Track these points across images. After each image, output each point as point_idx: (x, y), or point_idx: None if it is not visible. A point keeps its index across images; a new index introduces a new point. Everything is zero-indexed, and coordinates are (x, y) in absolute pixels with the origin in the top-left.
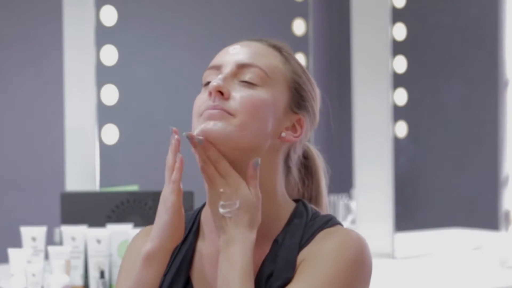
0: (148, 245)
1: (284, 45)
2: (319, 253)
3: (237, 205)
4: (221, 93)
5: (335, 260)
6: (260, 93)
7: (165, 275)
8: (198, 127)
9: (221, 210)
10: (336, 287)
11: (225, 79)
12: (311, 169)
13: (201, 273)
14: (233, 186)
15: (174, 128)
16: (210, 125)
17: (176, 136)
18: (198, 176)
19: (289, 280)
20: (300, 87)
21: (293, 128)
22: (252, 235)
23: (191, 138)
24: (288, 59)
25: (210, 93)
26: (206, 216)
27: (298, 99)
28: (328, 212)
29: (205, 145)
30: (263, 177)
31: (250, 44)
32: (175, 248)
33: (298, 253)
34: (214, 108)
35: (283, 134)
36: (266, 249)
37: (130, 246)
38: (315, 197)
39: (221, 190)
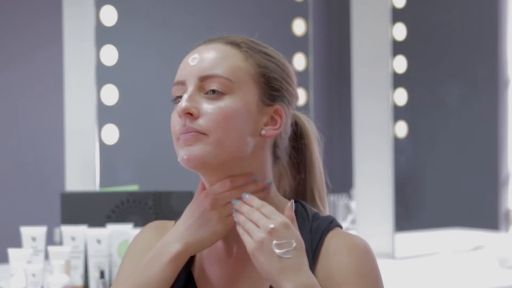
0: (182, 246)
1: (242, 38)
2: (344, 274)
3: (294, 245)
4: (190, 113)
5: (364, 277)
6: (228, 103)
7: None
8: (179, 155)
9: (277, 251)
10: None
11: (190, 98)
12: (302, 138)
13: (202, 271)
14: (282, 225)
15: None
16: (189, 151)
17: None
18: (198, 176)
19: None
20: (269, 78)
21: (272, 120)
22: (317, 282)
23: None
24: (249, 53)
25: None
26: None
27: (269, 90)
28: (324, 183)
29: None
30: (248, 169)
31: (208, 48)
32: None
33: (315, 262)
34: (187, 131)
35: (263, 132)
36: None
37: (136, 238)
38: (309, 168)
39: (272, 226)
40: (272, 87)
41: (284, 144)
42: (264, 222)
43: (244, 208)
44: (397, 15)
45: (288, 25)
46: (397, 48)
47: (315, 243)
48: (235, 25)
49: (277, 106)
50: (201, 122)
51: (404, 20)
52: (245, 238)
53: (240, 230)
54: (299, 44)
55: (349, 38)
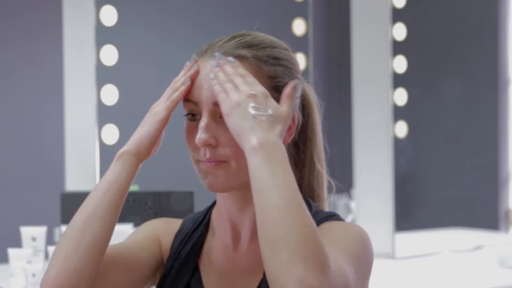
0: (123, 148)
1: (251, 49)
2: (325, 232)
3: (270, 112)
4: (210, 144)
5: (343, 234)
6: None
7: (174, 260)
8: (203, 182)
9: (252, 112)
10: (347, 252)
11: (207, 128)
12: (305, 108)
13: (208, 264)
14: (262, 94)
15: (196, 58)
16: (213, 179)
17: (196, 66)
18: (197, 176)
19: None
20: (279, 87)
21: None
22: (283, 145)
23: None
24: (258, 66)
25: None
26: (216, 215)
27: (280, 100)
28: (322, 148)
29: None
30: None
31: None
32: (185, 236)
33: None
34: (208, 161)
35: None
36: None
37: (144, 223)
38: (310, 135)
39: (253, 92)
40: (282, 93)
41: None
42: (245, 87)
43: (228, 68)
44: (397, 15)
45: (288, 25)
46: (397, 48)
47: None
48: (235, 25)
49: None
50: (220, 152)
51: (404, 20)
52: (221, 96)
53: (217, 88)
54: (299, 44)
55: (349, 38)
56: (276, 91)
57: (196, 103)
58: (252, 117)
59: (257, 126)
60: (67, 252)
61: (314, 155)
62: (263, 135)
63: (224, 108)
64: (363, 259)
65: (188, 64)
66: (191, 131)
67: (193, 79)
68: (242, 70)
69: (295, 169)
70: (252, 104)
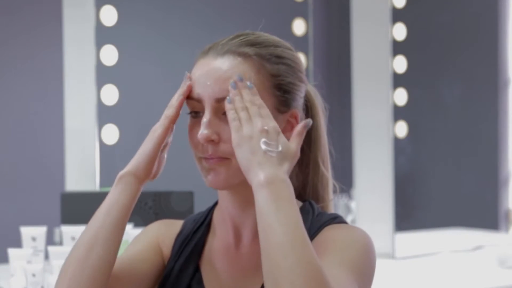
0: (125, 169)
1: (254, 47)
2: (329, 240)
3: (280, 149)
4: (212, 140)
5: (346, 246)
6: None
7: (175, 261)
8: (205, 179)
9: (263, 147)
10: (351, 270)
11: (209, 124)
12: (310, 110)
13: (209, 265)
14: (275, 130)
15: (189, 74)
16: (214, 176)
17: (188, 82)
18: (198, 176)
19: None
20: (282, 85)
21: (289, 124)
22: (291, 183)
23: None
24: (261, 64)
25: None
26: (217, 215)
27: (283, 97)
28: (327, 151)
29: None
30: None
31: (220, 64)
32: (186, 237)
33: None
34: (210, 157)
35: None
36: None
37: (144, 229)
38: (314, 138)
39: (266, 128)
40: (286, 91)
41: None
42: (258, 120)
43: (246, 94)
44: (397, 15)
45: (288, 25)
46: (397, 48)
47: (312, 231)
48: (235, 25)
49: (292, 110)
50: (222, 148)
51: (404, 20)
52: (235, 124)
53: (231, 114)
54: (299, 44)
55: (349, 38)
56: (278, 89)
57: (198, 100)
58: (263, 152)
59: (266, 161)
60: (72, 276)
61: (318, 158)
62: (271, 171)
63: (236, 138)
64: (366, 271)
65: (183, 85)
66: (194, 129)
67: (185, 95)
68: (258, 100)
69: (299, 170)
70: (263, 139)
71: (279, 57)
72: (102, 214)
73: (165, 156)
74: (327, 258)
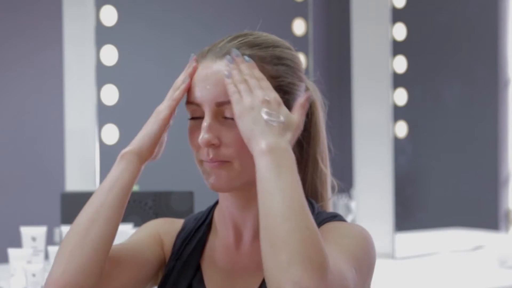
0: (127, 147)
1: (253, 48)
2: (327, 232)
3: (282, 119)
4: (213, 144)
5: (344, 235)
6: None
7: (176, 260)
8: (207, 182)
9: (265, 117)
10: (347, 254)
11: (210, 128)
12: (310, 106)
13: (210, 264)
14: (276, 101)
15: (194, 57)
16: (216, 179)
17: (194, 64)
18: (198, 176)
19: None
20: (282, 86)
21: None
22: (293, 152)
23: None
24: (262, 66)
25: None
26: (219, 215)
27: (284, 98)
28: (326, 147)
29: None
30: None
31: (220, 67)
32: (187, 236)
33: None
34: (211, 161)
35: None
36: None
37: (146, 223)
38: (313, 134)
39: (267, 98)
40: (286, 92)
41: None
42: (259, 92)
43: (244, 67)
44: (397, 15)
45: (288, 25)
46: (397, 48)
47: None
48: (235, 25)
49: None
50: (223, 152)
51: (404, 20)
52: (235, 97)
53: (231, 87)
54: (299, 44)
55: (349, 38)
56: (279, 90)
57: (198, 104)
58: (264, 122)
59: (268, 131)
60: (72, 250)
61: (317, 154)
62: (273, 140)
63: (237, 110)
64: (364, 260)
65: (189, 66)
66: (194, 132)
67: (192, 76)
68: (257, 73)
69: (298, 168)
70: (265, 110)
71: (278, 58)
72: (105, 191)
73: (165, 137)
74: (325, 245)
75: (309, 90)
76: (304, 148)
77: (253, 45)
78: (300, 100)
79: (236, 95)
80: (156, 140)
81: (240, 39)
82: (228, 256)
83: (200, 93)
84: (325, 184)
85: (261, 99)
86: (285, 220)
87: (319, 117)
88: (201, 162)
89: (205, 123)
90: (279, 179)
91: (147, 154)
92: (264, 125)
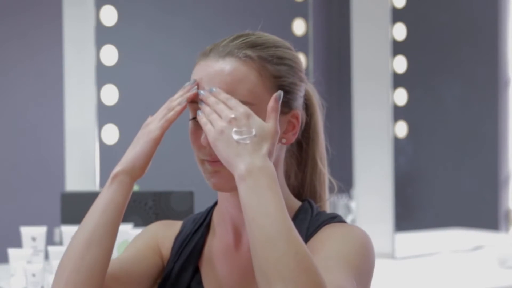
0: (117, 167)
1: (255, 49)
2: (326, 237)
3: (254, 133)
4: None
5: (344, 242)
6: None
7: (174, 262)
8: (208, 181)
9: (235, 137)
10: (348, 264)
11: None
12: (308, 108)
13: (209, 265)
14: (243, 115)
15: (197, 81)
16: (217, 179)
17: (195, 90)
18: (198, 176)
19: None
20: (283, 86)
21: (290, 125)
22: (272, 165)
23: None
24: (263, 65)
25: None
26: (217, 216)
27: (285, 98)
28: (324, 148)
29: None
30: None
31: (221, 67)
32: (185, 238)
33: (305, 243)
34: (213, 160)
35: (284, 140)
36: None
37: (143, 230)
38: (312, 136)
39: (232, 116)
40: (287, 92)
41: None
42: (226, 112)
43: (211, 99)
44: (397, 15)
45: (288, 25)
46: (397, 48)
47: (311, 230)
48: (235, 25)
49: (293, 111)
50: None
51: (404, 20)
52: (207, 127)
53: (202, 120)
54: (299, 44)
55: (349, 38)
56: (279, 88)
57: (200, 103)
58: (236, 143)
59: (242, 151)
60: (68, 276)
61: (316, 155)
62: (249, 161)
63: (210, 138)
64: (364, 269)
65: (187, 85)
66: (196, 131)
67: (189, 101)
68: (224, 95)
69: (298, 168)
70: (234, 129)
71: (280, 58)
72: (97, 213)
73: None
74: (323, 253)
75: (279, 91)
76: (303, 149)
77: (255, 45)
78: (270, 104)
79: (208, 125)
80: (148, 160)
81: (242, 38)
82: (227, 257)
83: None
84: (324, 184)
85: (228, 119)
86: (273, 248)
87: (318, 119)
88: (202, 161)
89: None
90: (260, 204)
91: (139, 173)
92: (236, 146)
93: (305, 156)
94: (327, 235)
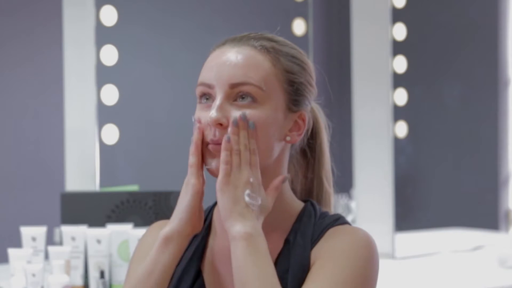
0: (167, 228)
1: (269, 41)
2: (332, 251)
3: (260, 202)
4: (221, 123)
5: (350, 259)
6: (258, 113)
7: (176, 265)
8: (208, 164)
9: (247, 199)
10: (353, 286)
11: (220, 107)
12: (314, 126)
13: (211, 268)
14: (258, 183)
15: (198, 119)
16: (218, 163)
17: (198, 131)
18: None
19: (303, 280)
20: (295, 84)
21: (296, 125)
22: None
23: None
24: (277, 58)
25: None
26: (218, 216)
27: (294, 96)
28: (330, 167)
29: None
30: (272, 176)
31: (237, 52)
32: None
33: (311, 251)
34: (217, 142)
35: (288, 138)
36: (277, 247)
37: (142, 239)
38: (318, 154)
39: (251, 180)
40: (297, 92)
41: (301, 143)
42: (246, 171)
43: (243, 136)
44: (397, 15)
45: (288, 25)
46: (397, 48)
47: (316, 235)
48: (235, 25)
49: (301, 111)
50: None
51: (404, 20)
52: (225, 168)
53: (224, 155)
54: (299, 44)
55: (349, 38)
56: (291, 86)
57: (211, 86)
58: (245, 204)
59: (247, 213)
60: None
61: (322, 174)
62: (251, 224)
63: (221, 182)
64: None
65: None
66: (202, 112)
67: (200, 141)
68: (253, 144)
69: (304, 187)
70: (248, 191)
71: (294, 57)
72: (145, 276)
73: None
74: (324, 276)
75: (286, 174)
76: (309, 166)
77: (271, 39)
78: (275, 183)
79: (227, 166)
80: (194, 211)
81: (259, 33)
82: (229, 258)
83: (215, 74)
84: (329, 204)
85: (245, 179)
86: None
87: (324, 139)
88: (206, 144)
89: (217, 102)
90: (255, 267)
91: (190, 229)
92: (243, 207)
93: (310, 174)
94: (330, 249)
